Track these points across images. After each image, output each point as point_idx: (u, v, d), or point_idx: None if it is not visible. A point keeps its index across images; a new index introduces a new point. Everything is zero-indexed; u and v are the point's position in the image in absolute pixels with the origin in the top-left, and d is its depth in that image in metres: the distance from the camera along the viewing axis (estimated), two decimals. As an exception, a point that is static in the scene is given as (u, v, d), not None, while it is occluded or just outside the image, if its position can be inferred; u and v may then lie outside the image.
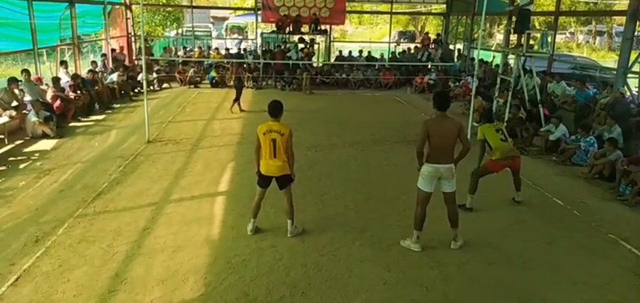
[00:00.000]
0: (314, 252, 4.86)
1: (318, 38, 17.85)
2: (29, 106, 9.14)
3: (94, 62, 13.16)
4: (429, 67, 16.82)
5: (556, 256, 4.97)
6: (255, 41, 18.58)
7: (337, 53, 18.78)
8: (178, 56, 17.37)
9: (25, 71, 9.80)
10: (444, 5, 19.73)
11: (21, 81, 9.51)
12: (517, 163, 6.17)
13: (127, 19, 17.00)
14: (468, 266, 4.69)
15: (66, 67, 11.75)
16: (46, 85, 10.57)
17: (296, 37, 17.30)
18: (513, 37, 11.08)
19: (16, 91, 9.27)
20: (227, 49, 17.76)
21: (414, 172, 7.42)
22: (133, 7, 17.34)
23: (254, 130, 9.94)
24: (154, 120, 10.06)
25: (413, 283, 4.38)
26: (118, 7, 16.74)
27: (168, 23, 24.70)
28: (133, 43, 17.22)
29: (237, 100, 11.67)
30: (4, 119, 8.63)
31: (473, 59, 16.20)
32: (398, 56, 18.70)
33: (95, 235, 5.05)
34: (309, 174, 7.26)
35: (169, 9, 24.21)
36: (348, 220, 5.64)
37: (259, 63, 16.19)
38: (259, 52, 17.16)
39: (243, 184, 6.71)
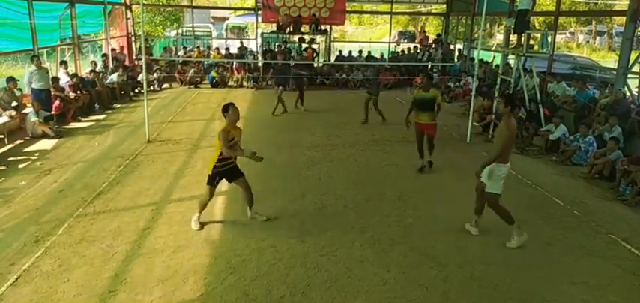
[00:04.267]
0: (314, 252, 4.86)
1: (318, 38, 17.84)
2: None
3: (93, 62, 13.16)
4: (430, 67, 16.81)
5: (556, 256, 4.97)
6: (257, 44, 18.53)
7: (337, 53, 18.78)
8: (178, 56, 17.37)
9: (36, 57, 9.85)
10: (444, 5, 19.73)
11: (32, 70, 9.63)
12: None
13: (127, 19, 16.99)
14: (468, 266, 4.69)
15: (66, 67, 11.75)
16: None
17: (296, 37, 17.29)
18: (513, 37, 11.08)
19: (16, 90, 9.29)
20: (227, 49, 17.77)
21: (414, 173, 7.48)
22: (133, 7, 17.34)
23: (253, 130, 10.01)
24: (154, 120, 10.06)
25: (413, 283, 4.38)
26: (118, 7, 16.74)
27: (169, 23, 24.67)
28: (133, 43, 17.22)
29: (300, 99, 11.86)
30: (4, 119, 8.65)
31: (473, 59, 16.20)
32: (397, 55, 18.67)
33: (95, 235, 5.05)
34: (309, 174, 7.26)
35: (169, 9, 24.19)
36: (348, 220, 5.64)
37: (259, 63, 16.19)
38: (259, 52, 17.17)
39: (243, 184, 6.71)
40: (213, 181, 5.19)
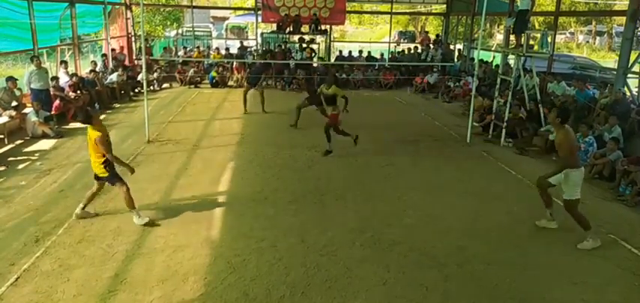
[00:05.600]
0: (314, 252, 4.86)
1: (318, 38, 17.84)
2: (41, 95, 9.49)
3: (93, 62, 13.17)
4: (433, 68, 16.80)
5: (556, 256, 4.97)
6: (257, 43, 18.51)
7: (337, 53, 18.76)
8: (178, 56, 17.36)
9: (36, 57, 9.93)
10: (444, 5, 19.72)
11: (32, 70, 9.71)
12: None
13: (127, 19, 16.99)
14: (468, 266, 4.69)
15: (66, 67, 11.75)
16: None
17: (296, 37, 17.28)
18: (513, 37, 11.08)
19: (16, 90, 9.29)
20: (227, 49, 17.77)
21: (414, 172, 7.50)
22: (133, 7, 17.34)
23: (254, 130, 10.00)
24: (154, 120, 10.06)
25: (413, 283, 4.38)
26: (118, 7, 16.74)
27: (169, 23, 24.69)
28: (133, 43, 17.22)
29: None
30: (4, 119, 8.64)
31: (473, 59, 16.20)
32: (398, 55, 18.66)
33: (95, 235, 5.05)
34: (309, 174, 7.26)
35: (169, 9, 24.20)
36: (348, 220, 5.64)
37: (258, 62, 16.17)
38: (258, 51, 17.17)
39: (243, 184, 6.72)
40: (118, 176, 5.32)
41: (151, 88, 14.04)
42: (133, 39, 17.15)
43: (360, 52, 18.89)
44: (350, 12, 21.10)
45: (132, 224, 5.33)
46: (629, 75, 9.77)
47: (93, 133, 5.07)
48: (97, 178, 5.33)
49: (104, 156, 5.12)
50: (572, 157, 5.12)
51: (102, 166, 5.18)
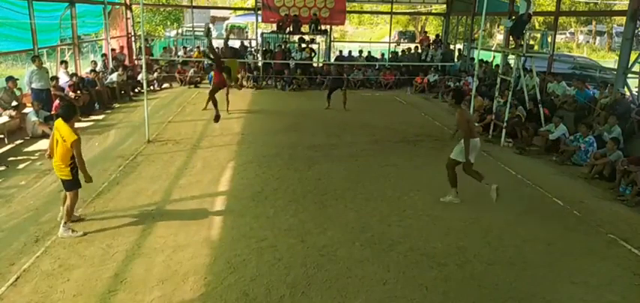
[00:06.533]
0: (314, 252, 4.86)
1: (318, 38, 17.84)
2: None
3: (93, 62, 13.17)
4: (434, 67, 16.80)
5: (556, 256, 4.97)
6: (257, 43, 18.52)
7: (337, 53, 18.75)
8: (178, 56, 17.36)
9: (37, 57, 9.97)
10: (444, 5, 19.72)
11: (33, 70, 9.73)
12: None
13: (127, 19, 16.99)
14: (468, 266, 4.69)
15: (66, 67, 11.76)
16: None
17: (296, 37, 17.28)
18: (513, 38, 11.08)
19: (16, 90, 9.29)
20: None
21: (414, 172, 7.50)
22: (133, 7, 17.34)
23: (253, 129, 9.98)
24: (154, 120, 10.06)
25: (413, 283, 4.38)
26: (118, 7, 16.74)
27: (169, 23, 24.68)
28: (133, 43, 17.22)
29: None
30: (4, 119, 8.64)
31: (473, 59, 16.19)
32: (397, 55, 18.66)
33: (95, 235, 5.05)
34: (309, 174, 7.26)
35: (169, 9, 24.20)
36: (348, 220, 5.64)
37: (259, 63, 16.19)
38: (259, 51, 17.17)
39: (243, 184, 6.72)
40: (79, 183, 5.05)
41: (151, 88, 14.05)
42: (132, 39, 17.15)
43: (360, 52, 18.89)
44: (350, 12, 21.09)
45: (132, 224, 5.34)
46: (629, 75, 9.77)
47: (70, 136, 4.76)
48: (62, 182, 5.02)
49: (71, 160, 4.85)
50: (470, 131, 5.91)
51: (68, 168, 4.87)
